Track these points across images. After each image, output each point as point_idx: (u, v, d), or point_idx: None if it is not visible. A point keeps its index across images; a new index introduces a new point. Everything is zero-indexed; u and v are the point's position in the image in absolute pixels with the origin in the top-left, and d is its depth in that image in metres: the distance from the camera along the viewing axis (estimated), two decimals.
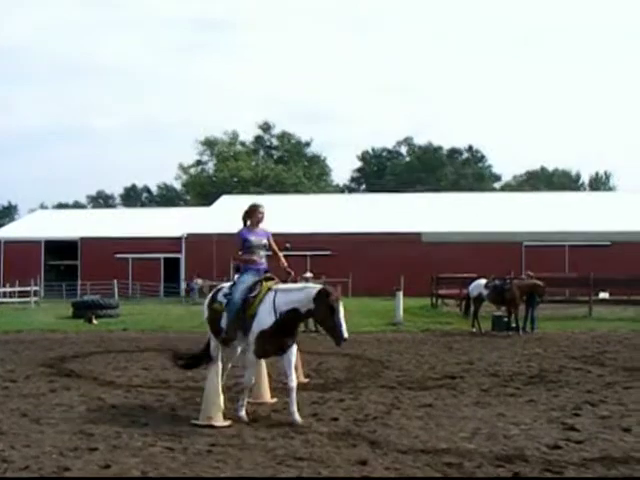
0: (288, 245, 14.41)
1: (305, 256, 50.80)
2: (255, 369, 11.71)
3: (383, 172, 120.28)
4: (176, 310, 40.59)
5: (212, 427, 10.55)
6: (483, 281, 27.27)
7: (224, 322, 11.59)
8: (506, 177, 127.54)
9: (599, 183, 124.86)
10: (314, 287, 11.20)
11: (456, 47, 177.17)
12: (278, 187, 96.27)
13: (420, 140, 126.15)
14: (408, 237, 56.02)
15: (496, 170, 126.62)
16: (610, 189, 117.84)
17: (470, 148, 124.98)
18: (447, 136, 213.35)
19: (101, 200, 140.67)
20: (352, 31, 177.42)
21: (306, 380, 14.29)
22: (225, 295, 11.74)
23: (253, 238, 11.81)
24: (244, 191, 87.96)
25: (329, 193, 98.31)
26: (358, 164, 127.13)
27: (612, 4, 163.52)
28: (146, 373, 16.06)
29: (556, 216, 58.18)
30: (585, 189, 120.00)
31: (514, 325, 25.54)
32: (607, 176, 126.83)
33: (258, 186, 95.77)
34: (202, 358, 12.62)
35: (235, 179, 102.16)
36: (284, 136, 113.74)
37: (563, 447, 9.35)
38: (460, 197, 69.52)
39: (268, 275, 11.73)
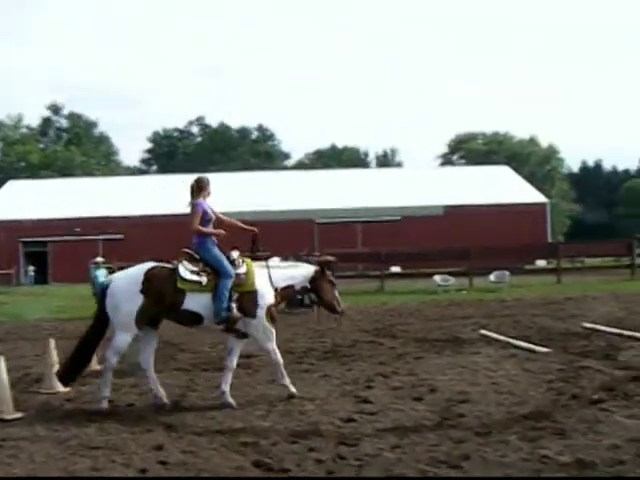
0: (77, 229, 14.02)
1: (96, 241, 49.79)
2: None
3: (175, 153, 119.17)
4: None
5: (2, 421, 10.14)
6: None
7: (196, 303, 10.80)
8: (297, 155, 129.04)
9: (386, 160, 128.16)
10: (309, 265, 11.81)
11: (245, 25, 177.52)
12: (68, 170, 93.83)
13: (211, 120, 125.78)
14: None
15: (286, 148, 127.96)
16: (397, 165, 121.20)
17: (260, 127, 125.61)
18: (238, 115, 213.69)
19: None
20: (145, 9, 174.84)
21: (99, 367, 13.85)
22: (196, 272, 10.88)
23: (210, 211, 11.41)
24: (33, 176, 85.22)
25: (120, 175, 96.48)
26: (149, 145, 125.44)
27: None
28: None
29: (347, 193, 59.28)
30: (373, 166, 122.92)
31: (308, 302, 25.80)
32: (393, 153, 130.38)
33: (47, 169, 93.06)
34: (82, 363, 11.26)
35: (23, 163, 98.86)
36: (73, 117, 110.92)
37: (357, 420, 9.48)
38: (252, 176, 69.71)
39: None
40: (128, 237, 54.50)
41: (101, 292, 11.23)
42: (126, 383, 12.68)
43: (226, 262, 11.07)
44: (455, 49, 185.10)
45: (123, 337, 10.79)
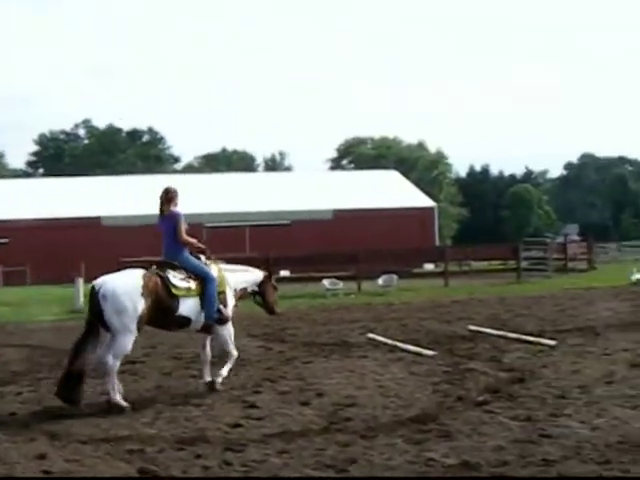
0: None
1: None
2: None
3: (61, 156, 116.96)
4: None
5: None
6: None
7: (187, 307, 11.35)
8: (187, 159, 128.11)
9: (275, 164, 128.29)
10: (258, 270, 13.05)
11: (134, 24, 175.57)
12: None
13: (99, 122, 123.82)
14: (87, 222, 54.84)
15: (176, 152, 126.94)
16: (286, 169, 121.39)
17: (150, 130, 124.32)
18: (128, 118, 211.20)
19: None
20: (31, 6, 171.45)
21: None
22: (184, 279, 11.44)
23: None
24: None
25: (5, 178, 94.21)
26: (35, 148, 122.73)
27: None
28: None
29: (236, 197, 59.08)
30: (262, 170, 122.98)
31: None
32: (283, 156, 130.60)
33: None
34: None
35: None
36: None
37: (244, 425, 9.47)
38: (140, 180, 68.86)
39: None
40: (13, 241, 53.29)
41: (91, 295, 11.08)
42: (9, 391, 12.37)
43: (206, 267, 11.78)
44: (344, 53, 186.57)
45: (126, 340, 10.82)
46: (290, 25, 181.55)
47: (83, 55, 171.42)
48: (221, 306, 11.76)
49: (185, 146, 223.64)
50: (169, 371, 13.78)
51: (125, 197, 59.09)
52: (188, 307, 11.35)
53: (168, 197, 11.99)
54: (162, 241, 12.03)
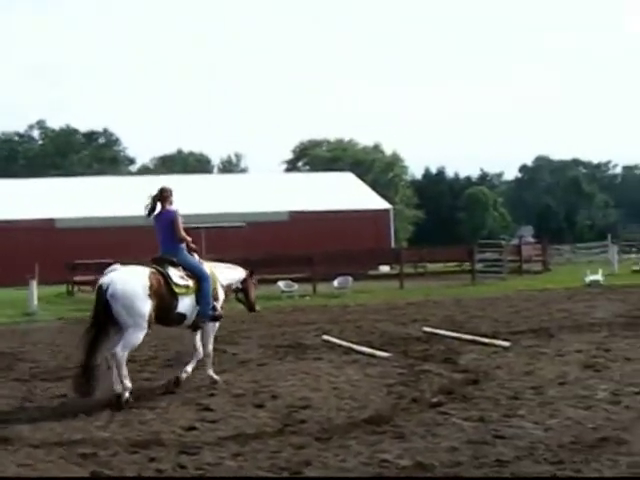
0: None
1: None
2: None
3: (15, 157, 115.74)
4: None
5: None
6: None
7: (185, 305, 11.78)
8: (142, 160, 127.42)
9: (231, 165, 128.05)
10: (239, 268, 13.70)
11: (91, 24, 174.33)
12: None
13: (54, 123, 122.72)
14: (41, 223, 54.36)
15: (130, 153, 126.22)
16: (242, 171, 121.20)
17: (105, 131, 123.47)
18: (83, 119, 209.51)
19: None
20: None
21: None
22: (183, 277, 11.83)
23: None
24: None
25: None
26: None
27: None
28: None
29: (191, 199, 58.82)
30: (218, 172, 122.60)
31: None
32: (238, 158, 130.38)
33: None
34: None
35: None
36: None
37: (198, 428, 9.42)
38: (95, 181, 68.41)
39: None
40: None
41: (98, 293, 11.31)
42: None
43: (202, 265, 12.29)
44: (302, 55, 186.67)
45: (137, 335, 11.15)
46: (245, 30, 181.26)
47: (37, 56, 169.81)
48: (216, 303, 12.31)
49: (140, 148, 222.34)
50: None
51: (79, 199, 58.66)
52: (186, 305, 11.78)
53: (164, 196, 12.45)
54: (158, 239, 12.50)
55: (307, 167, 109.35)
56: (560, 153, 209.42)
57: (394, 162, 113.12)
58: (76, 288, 39.45)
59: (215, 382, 12.28)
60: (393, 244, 64.93)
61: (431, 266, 47.91)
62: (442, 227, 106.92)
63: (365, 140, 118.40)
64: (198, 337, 12.59)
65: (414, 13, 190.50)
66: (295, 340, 17.31)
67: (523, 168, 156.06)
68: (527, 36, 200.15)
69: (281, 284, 33.43)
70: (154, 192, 12.62)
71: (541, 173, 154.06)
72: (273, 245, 51.08)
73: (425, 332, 17.52)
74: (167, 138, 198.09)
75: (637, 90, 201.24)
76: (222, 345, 16.98)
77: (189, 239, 12.41)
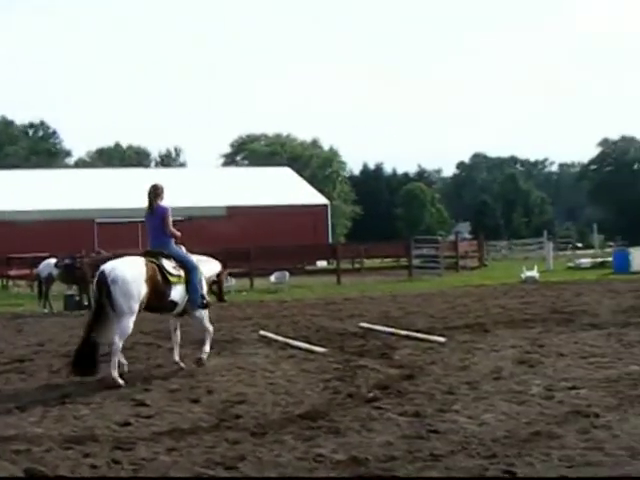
0: None
1: None
2: None
3: None
4: None
5: None
6: (53, 260, 26.78)
7: (177, 293, 12.69)
8: (79, 153, 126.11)
9: (170, 159, 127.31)
10: (215, 261, 14.34)
11: (17, 23, 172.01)
12: None
13: None
14: None
15: (67, 146, 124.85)
16: (181, 165, 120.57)
17: (42, 123, 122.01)
18: (19, 111, 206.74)
19: None
20: None
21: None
22: (175, 267, 12.77)
23: None
24: None
25: None
26: None
27: None
28: None
29: (129, 192, 58.32)
30: (156, 165, 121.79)
31: (86, 304, 25.30)
32: (177, 152, 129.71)
33: None
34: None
35: None
36: None
37: (133, 423, 9.36)
38: (31, 174, 67.48)
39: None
40: None
41: (100, 280, 12.16)
42: None
43: (190, 257, 13.21)
44: (238, 49, 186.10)
45: (129, 321, 12.03)
46: (186, 18, 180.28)
47: None
48: (204, 292, 13.26)
49: (78, 140, 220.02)
50: (57, 369, 13.51)
51: (15, 192, 57.80)
52: (177, 293, 12.69)
53: (157, 192, 13.33)
54: (148, 232, 13.39)
55: (245, 162, 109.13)
56: (497, 150, 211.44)
57: (332, 157, 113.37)
58: (11, 282, 38.93)
59: (200, 363, 13.03)
60: (330, 239, 65.01)
61: (368, 262, 48.06)
62: (380, 223, 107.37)
63: (303, 135, 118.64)
64: (178, 324, 13.48)
65: (351, 7, 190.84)
66: (231, 335, 17.27)
67: (461, 165, 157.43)
68: (455, 31, 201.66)
69: None
70: (148, 189, 13.46)
71: (478, 170, 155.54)
72: (210, 240, 50.84)
73: (362, 327, 17.60)
74: (105, 131, 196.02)
75: (573, 89, 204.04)
76: (157, 340, 16.94)
77: (178, 234, 13.23)
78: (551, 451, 7.56)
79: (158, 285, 12.38)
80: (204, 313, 13.38)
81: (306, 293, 30.39)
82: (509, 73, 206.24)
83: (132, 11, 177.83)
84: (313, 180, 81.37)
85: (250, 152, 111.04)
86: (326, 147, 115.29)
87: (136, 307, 12.05)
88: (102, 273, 12.14)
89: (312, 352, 14.34)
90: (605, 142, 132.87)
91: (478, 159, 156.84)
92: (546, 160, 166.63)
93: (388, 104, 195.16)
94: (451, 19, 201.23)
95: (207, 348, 13.31)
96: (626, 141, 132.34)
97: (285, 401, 10.33)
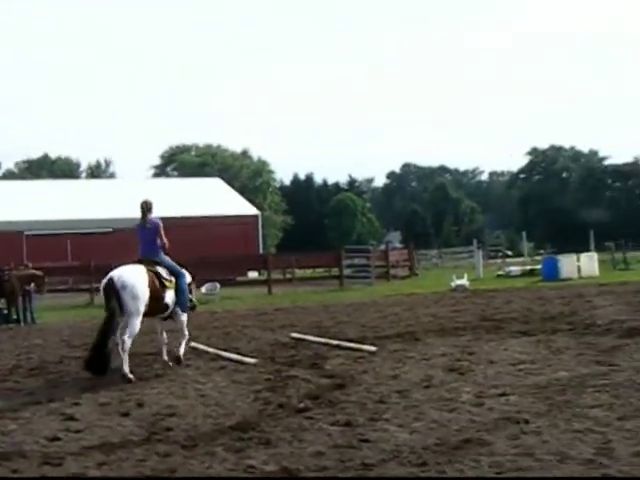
0: None
1: None
2: None
3: None
4: None
5: None
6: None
7: (169, 297, 14.13)
8: (6, 164, 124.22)
9: (99, 171, 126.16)
10: (186, 272, 15.02)
11: None
12: None
13: None
14: None
15: None
16: (110, 176, 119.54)
17: None
18: None
19: None
20: None
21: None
22: (168, 274, 14.17)
23: None
24: None
25: None
26: None
27: None
28: None
29: (59, 204, 57.68)
30: (85, 177, 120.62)
31: (15, 317, 24.96)
32: (107, 163, 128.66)
33: None
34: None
35: None
36: None
37: (62, 438, 9.24)
38: None
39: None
40: None
41: (109, 286, 13.39)
42: None
43: (178, 265, 14.63)
44: (167, 56, 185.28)
45: (137, 322, 13.32)
46: (113, 29, 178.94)
47: None
48: (191, 296, 15.04)
49: (5, 151, 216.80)
50: None
51: None
52: (170, 297, 14.11)
53: (149, 207, 14.69)
54: (139, 242, 14.67)
55: (175, 173, 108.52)
56: (427, 160, 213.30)
57: (262, 168, 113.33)
58: None
59: (178, 359, 14.36)
60: (261, 250, 64.99)
61: (299, 272, 48.11)
62: (311, 233, 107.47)
63: (234, 146, 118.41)
64: (161, 326, 14.72)
65: (272, 17, 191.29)
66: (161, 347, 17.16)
67: (391, 174, 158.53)
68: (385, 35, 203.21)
69: None
70: (140, 204, 14.89)
71: (409, 179, 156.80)
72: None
73: (293, 338, 17.60)
74: (33, 142, 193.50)
75: (501, 99, 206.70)
76: (86, 354, 16.71)
77: (167, 244, 14.51)
78: (481, 458, 7.62)
79: (156, 290, 13.69)
80: (185, 317, 14.74)
81: (237, 304, 30.33)
82: (438, 82, 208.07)
83: (58, 19, 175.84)
84: (244, 191, 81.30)
85: (180, 163, 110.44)
86: (256, 158, 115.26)
87: (142, 308, 13.33)
88: (111, 280, 13.35)
89: (243, 363, 14.29)
90: (534, 151, 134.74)
91: (408, 168, 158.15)
92: (476, 169, 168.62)
93: (318, 114, 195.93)
94: (360, 20, 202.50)
95: (182, 348, 14.62)
96: (554, 150, 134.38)
97: (216, 413, 10.29)
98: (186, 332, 14.81)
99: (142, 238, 14.64)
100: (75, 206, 57.37)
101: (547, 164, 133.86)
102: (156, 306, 13.79)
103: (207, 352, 15.88)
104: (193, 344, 16.89)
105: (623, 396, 10.00)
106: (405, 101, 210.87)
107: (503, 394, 10.56)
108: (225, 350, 15.83)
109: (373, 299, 29.90)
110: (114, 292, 13.22)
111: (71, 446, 8.85)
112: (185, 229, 56.36)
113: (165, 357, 14.44)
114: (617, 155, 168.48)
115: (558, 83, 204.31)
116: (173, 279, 14.24)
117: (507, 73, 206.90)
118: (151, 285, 13.59)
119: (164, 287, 13.95)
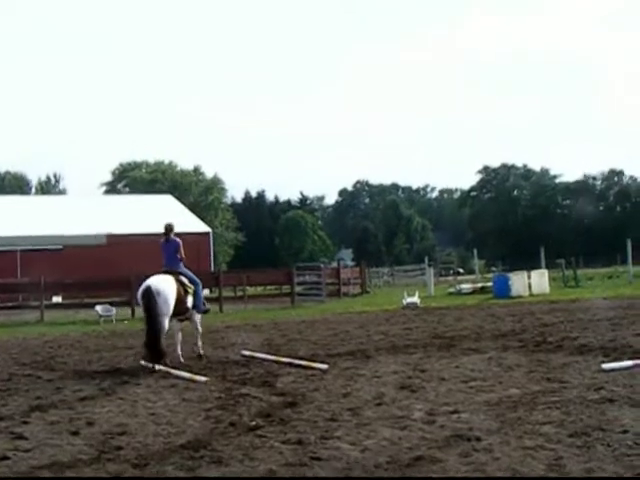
0: None
1: None
2: None
3: None
4: None
5: None
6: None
7: (190, 302, 17.22)
8: None
9: (50, 186, 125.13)
10: None
11: None
12: None
13: None
14: None
15: None
16: (61, 192, 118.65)
17: None
18: None
19: None
20: None
21: None
22: (188, 282, 17.26)
23: None
24: None
25: None
26: None
27: None
28: None
29: (7, 221, 57.18)
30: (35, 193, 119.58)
31: None
32: (57, 179, 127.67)
33: None
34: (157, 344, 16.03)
35: None
36: None
37: (11, 457, 9.06)
38: None
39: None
40: None
41: (147, 292, 16.05)
42: None
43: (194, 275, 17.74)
44: (125, 72, 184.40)
45: (166, 320, 16.28)
46: (64, 38, 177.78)
47: None
48: (205, 300, 18.38)
49: None
50: None
51: None
52: (190, 301, 17.17)
53: (171, 228, 17.83)
54: (163, 256, 17.63)
55: (127, 189, 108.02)
56: (379, 177, 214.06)
57: (214, 185, 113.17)
58: None
59: (200, 356, 17.32)
60: (213, 267, 64.83)
61: (251, 289, 48.01)
62: (262, 250, 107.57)
63: (185, 163, 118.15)
64: (178, 326, 17.56)
65: (224, 34, 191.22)
66: (112, 365, 17.05)
67: (343, 192, 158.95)
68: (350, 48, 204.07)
69: (99, 308, 32.82)
70: (164, 226, 17.93)
71: (360, 197, 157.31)
72: (91, 268, 50.13)
73: (244, 356, 17.54)
74: None
75: (453, 117, 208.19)
76: (36, 371, 16.56)
77: (184, 258, 17.70)
78: (433, 475, 7.65)
79: (181, 295, 16.66)
80: (199, 317, 17.77)
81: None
82: (389, 100, 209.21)
83: (14, 30, 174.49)
84: (195, 208, 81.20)
85: (131, 180, 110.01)
86: (209, 175, 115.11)
87: (171, 310, 16.21)
88: (149, 287, 16.02)
89: (194, 381, 14.23)
90: (485, 169, 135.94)
91: (360, 186, 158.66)
92: (427, 186, 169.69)
93: (270, 131, 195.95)
94: (312, 35, 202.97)
95: (200, 342, 17.63)
96: (506, 168, 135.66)
97: (167, 431, 10.21)
98: (200, 328, 17.71)
99: (165, 253, 17.62)
100: (25, 222, 56.92)
101: (498, 182, 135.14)
102: (180, 308, 16.64)
103: (158, 370, 15.76)
104: (142, 362, 16.79)
105: (574, 413, 10.08)
106: (357, 119, 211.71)
107: (455, 411, 10.59)
108: (176, 368, 15.74)
109: (324, 317, 29.91)
110: (152, 297, 15.88)
111: (20, 465, 8.71)
112: (136, 246, 56.18)
113: (179, 352, 17.01)
114: (568, 173, 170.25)
115: (509, 102, 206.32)
116: (192, 286, 17.21)
117: (459, 91, 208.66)
118: (178, 291, 16.51)
119: (187, 293, 16.97)
